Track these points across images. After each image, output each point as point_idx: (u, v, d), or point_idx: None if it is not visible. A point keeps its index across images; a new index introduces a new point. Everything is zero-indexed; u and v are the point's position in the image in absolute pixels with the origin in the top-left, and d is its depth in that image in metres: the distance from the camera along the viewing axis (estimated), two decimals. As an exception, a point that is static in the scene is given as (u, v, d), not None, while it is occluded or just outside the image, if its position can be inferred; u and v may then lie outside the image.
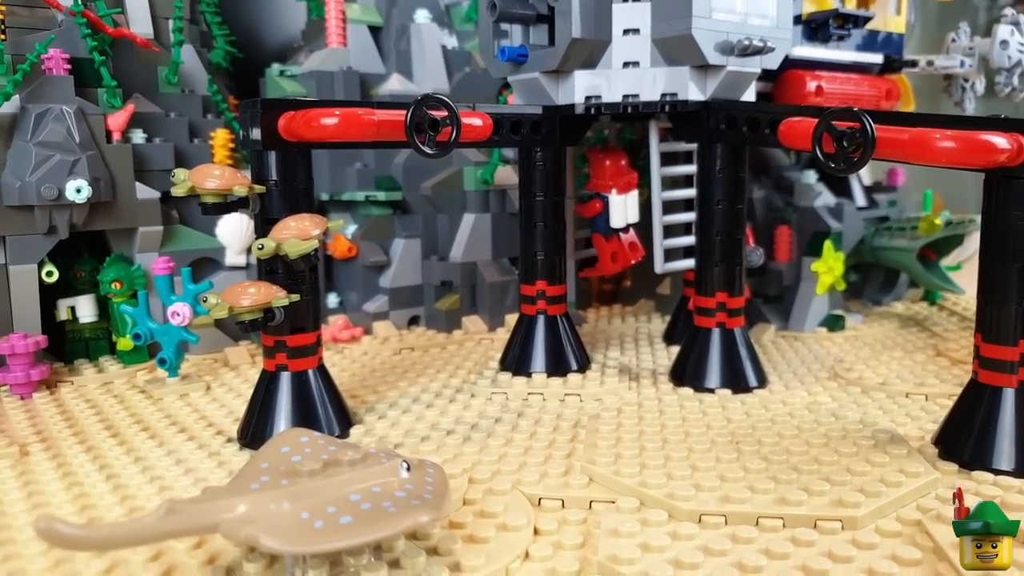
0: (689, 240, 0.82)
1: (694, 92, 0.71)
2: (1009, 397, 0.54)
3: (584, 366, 0.79)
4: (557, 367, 0.77)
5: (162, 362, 0.76)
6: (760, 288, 0.99)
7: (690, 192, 0.81)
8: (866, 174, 1.13)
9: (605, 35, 0.71)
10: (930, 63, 0.98)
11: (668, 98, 0.71)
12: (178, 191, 0.58)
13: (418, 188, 1.00)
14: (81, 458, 0.58)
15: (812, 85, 0.87)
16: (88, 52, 0.84)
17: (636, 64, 0.71)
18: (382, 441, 0.61)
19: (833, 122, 0.54)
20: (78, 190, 0.77)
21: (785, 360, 0.83)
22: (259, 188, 0.60)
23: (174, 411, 0.70)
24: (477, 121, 0.65)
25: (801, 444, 0.57)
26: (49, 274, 0.81)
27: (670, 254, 0.82)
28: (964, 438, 0.55)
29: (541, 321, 0.79)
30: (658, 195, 0.81)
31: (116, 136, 0.85)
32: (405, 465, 0.43)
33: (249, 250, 0.91)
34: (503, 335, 0.92)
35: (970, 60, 0.98)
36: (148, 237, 0.86)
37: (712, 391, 0.71)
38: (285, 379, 0.62)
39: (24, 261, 0.79)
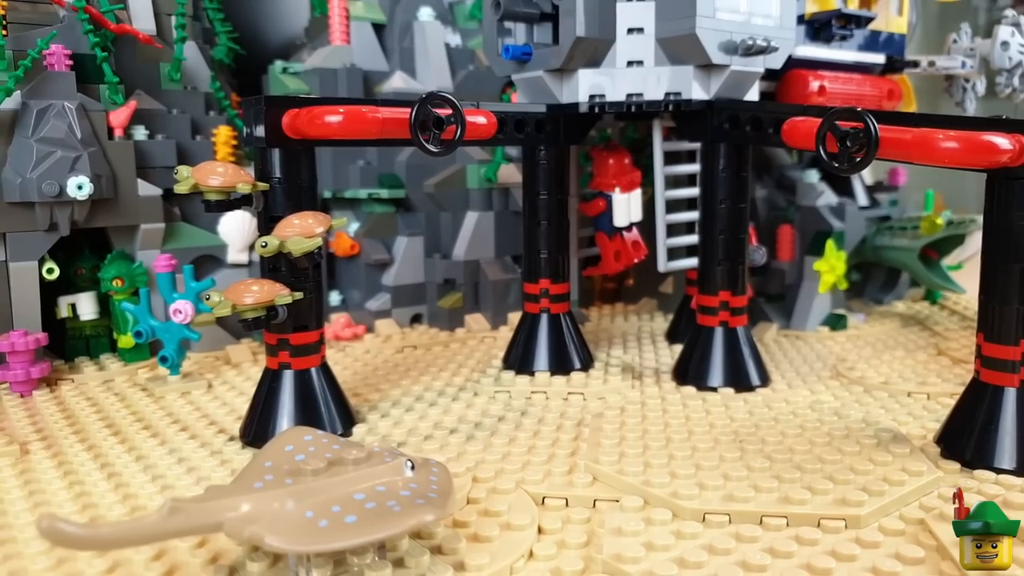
0: (692, 239, 0.82)
1: (698, 91, 0.71)
2: (1011, 396, 0.54)
3: (587, 365, 0.79)
4: (560, 366, 0.77)
5: (163, 360, 0.76)
6: (762, 287, 0.99)
7: (693, 191, 0.81)
8: (868, 174, 1.13)
9: (609, 34, 0.71)
10: (931, 64, 0.98)
11: (672, 97, 0.71)
12: (181, 188, 0.58)
13: (421, 186, 1.00)
14: (82, 456, 0.58)
15: (815, 85, 0.86)
16: (90, 48, 0.84)
17: (640, 63, 0.71)
18: (385, 440, 0.61)
19: (836, 122, 0.54)
20: (79, 187, 0.77)
21: (787, 359, 0.83)
22: (263, 185, 0.59)
23: (176, 409, 0.70)
24: (481, 119, 0.65)
25: (804, 443, 0.57)
26: (50, 271, 0.81)
27: (673, 253, 0.82)
28: (966, 437, 0.55)
29: (544, 319, 0.79)
30: (661, 194, 0.81)
31: (118, 133, 0.84)
32: (409, 464, 0.43)
33: (251, 248, 0.91)
34: (506, 333, 0.92)
35: (971, 61, 0.98)
36: (150, 234, 0.86)
37: (715, 390, 0.71)
38: (288, 377, 0.62)
39: (25, 258, 0.79)
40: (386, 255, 0.99)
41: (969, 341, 0.87)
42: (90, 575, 0.42)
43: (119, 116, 0.84)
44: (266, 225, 0.60)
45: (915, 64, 0.98)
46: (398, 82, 1.04)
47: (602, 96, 0.72)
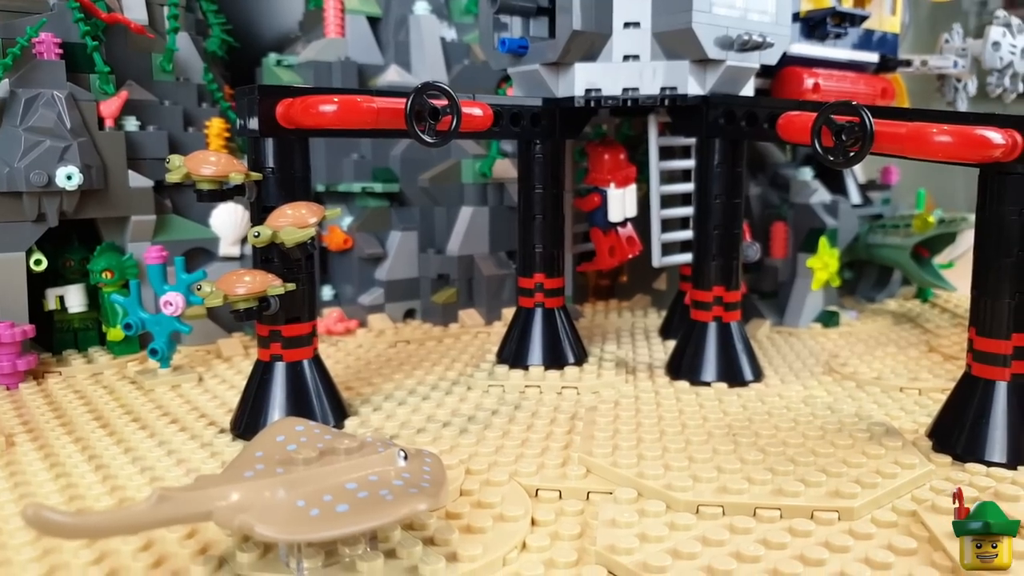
0: (687, 234, 0.82)
1: (693, 86, 0.71)
2: (1002, 390, 0.54)
3: (581, 359, 0.79)
4: (554, 360, 0.77)
5: (153, 352, 0.75)
6: (755, 284, 0.99)
7: (688, 186, 0.81)
8: (860, 172, 1.14)
9: (605, 28, 0.71)
10: (924, 63, 0.99)
11: (667, 92, 0.71)
12: (173, 177, 0.57)
13: (415, 180, 0.99)
14: (69, 448, 0.57)
15: (809, 82, 0.87)
16: (80, 37, 0.83)
17: (636, 57, 0.71)
18: (378, 432, 0.61)
19: (832, 116, 0.54)
20: (68, 177, 0.76)
21: (780, 355, 0.84)
22: (255, 175, 0.59)
23: (165, 402, 0.69)
24: (477, 111, 0.64)
25: (797, 436, 0.57)
26: (37, 262, 0.80)
27: (668, 248, 0.82)
28: (957, 431, 0.55)
29: (539, 314, 0.79)
30: (656, 189, 0.81)
31: (109, 123, 0.84)
32: (402, 454, 0.43)
33: (243, 240, 0.90)
34: (499, 329, 0.92)
35: (963, 61, 0.99)
36: (140, 226, 0.85)
37: (708, 384, 0.71)
38: (280, 369, 0.61)
39: (12, 249, 0.78)
40: (379, 249, 0.99)
41: (960, 338, 0.88)
42: (76, 566, 0.41)
43: (110, 106, 0.83)
44: (259, 215, 0.60)
45: (908, 63, 0.98)
46: (393, 75, 1.03)
47: (598, 90, 0.72)
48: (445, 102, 0.59)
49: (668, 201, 0.82)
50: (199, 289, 0.55)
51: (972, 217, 0.55)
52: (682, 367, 0.74)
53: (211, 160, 0.57)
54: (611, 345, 0.88)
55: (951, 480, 0.51)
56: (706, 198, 0.73)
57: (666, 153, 0.81)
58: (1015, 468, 0.52)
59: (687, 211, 0.82)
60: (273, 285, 0.57)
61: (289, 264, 0.59)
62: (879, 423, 0.60)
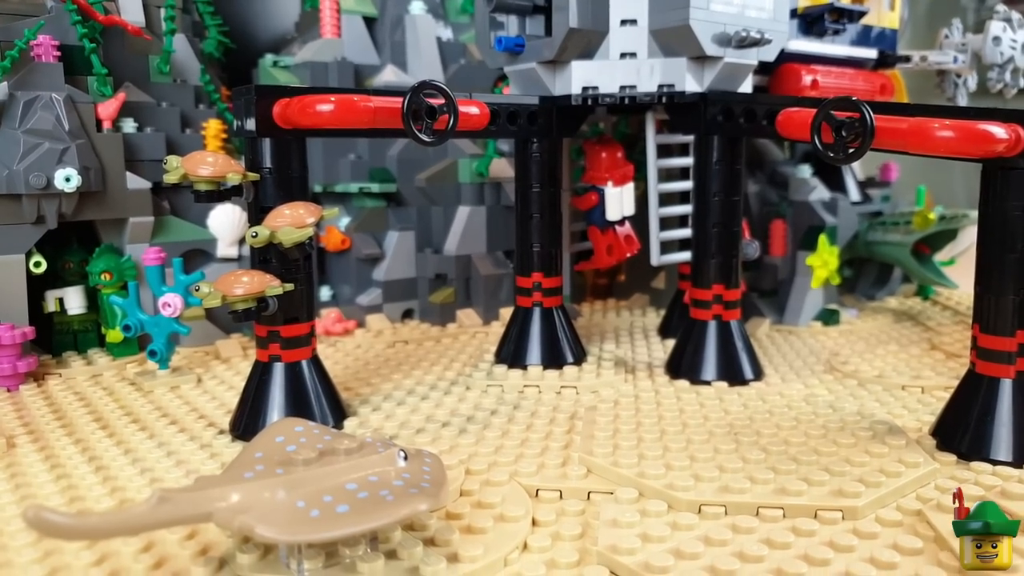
0: (685, 233, 0.82)
1: (691, 83, 0.70)
2: (1007, 388, 0.54)
3: (580, 359, 0.79)
4: (553, 360, 0.77)
5: (152, 354, 0.75)
6: (755, 282, 0.99)
7: (686, 184, 0.81)
8: (860, 169, 1.14)
9: (602, 25, 0.70)
10: (923, 59, 0.99)
11: (665, 89, 0.71)
12: (171, 178, 0.57)
13: (412, 180, 0.99)
14: (70, 450, 0.57)
15: (808, 79, 0.87)
16: (78, 39, 0.83)
17: (633, 55, 0.71)
18: (377, 433, 0.60)
19: (832, 111, 0.54)
20: (67, 179, 0.76)
21: (780, 353, 0.83)
22: (253, 176, 0.59)
23: (165, 403, 0.69)
24: (474, 109, 0.64)
25: (799, 435, 0.56)
26: (37, 265, 0.79)
27: (666, 247, 0.82)
28: (962, 429, 0.55)
29: (537, 313, 0.78)
30: (654, 187, 0.80)
31: (106, 125, 0.83)
32: (402, 454, 0.43)
33: (241, 242, 0.90)
34: (497, 329, 0.92)
35: (963, 56, 0.99)
36: (138, 228, 0.85)
37: (709, 383, 0.71)
38: (278, 370, 0.61)
39: (11, 251, 0.78)
40: (377, 250, 0.98)
41: (962, 336, 0.88)
42: (77, 567, 0.41)
43: (107, 108, 0.83)
44: (257, 216, 0.59)
45: (907, 59, 0.98)
46: (389, 75, 1.03)
47: (595, 88, 0.72)
48: (442, 101, 0.58)
49: (666, 199, 0.82)
50: (197, 290, 0.55)
51: (973, 213, 0.55)
52: (682, 366, 0.74)
53: (208, 161, 0.57)
54: (610, 344, 0.87)
55: (956, 479, 0.50)
56: (705, 196, 0.73)
57: (664, 151, 0.81)
58: (1021, 466, 0.52)
59: (685, 209, 0.81)
60: (271, 285, 0.57)
61: (287, 264, 0.59)
62: (882, 421, 0.60)
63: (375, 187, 0.98)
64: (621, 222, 0.89)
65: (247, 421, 0.60)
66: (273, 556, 0.41)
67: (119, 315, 0.78)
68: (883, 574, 0.39)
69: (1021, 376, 0.53)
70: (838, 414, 0.62)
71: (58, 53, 0.80)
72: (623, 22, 0.70)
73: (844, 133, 0.53)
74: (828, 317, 0.96)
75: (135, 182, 0.84)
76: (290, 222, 0.57)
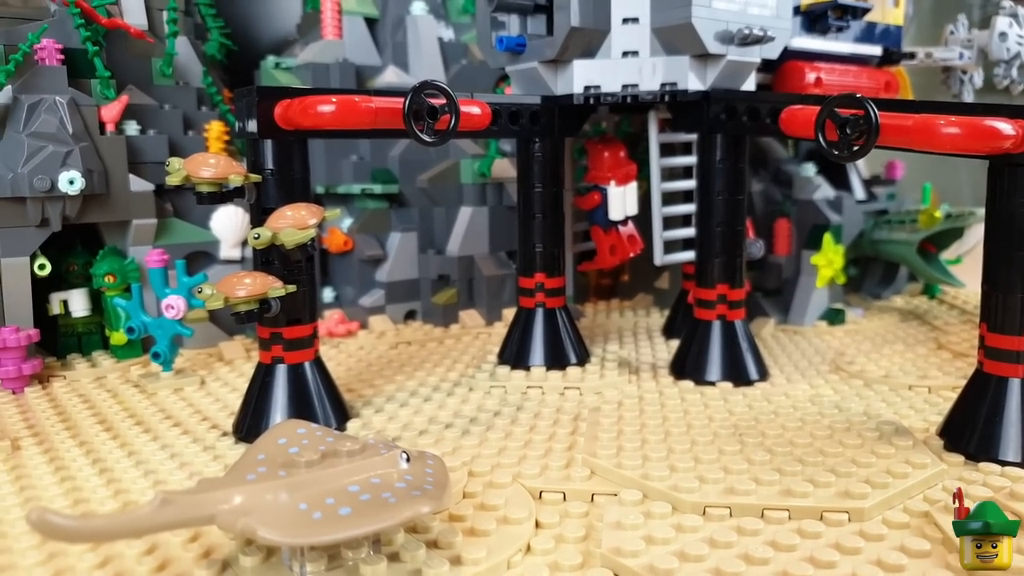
0: (689, 232, 0.81)
1: (694, 82, 0.70)
2: (1015, 387, 0.53)
3: (583, 359, 0.78)
4: (556, 360, 0.76)
5: (156, 356, 0.75)
6: (760, 282, 0.99)
7: (690, 183, 0.80)
8: (865, 167, 1.13)
9: (604, 24, 0.70)
10: (929, 55, 0.98)
11: (668, 88, 0.70)
12: (173, 180, 0.57)
13: (415, 181, 0.99)
14: (74, 452, 0.57)
15: (811, 76, 0.86)
16: (81, 42, 0.83)
17: (635, 54, 0.71)
18: (380, 435, 0.60)
19: (836, 109, 0.54)
20: (71, 182, 0.76)
21: (786, 353, 0.83)
22: (255, 177, 0.59)
23: (168, 405, 0.69)
24: (476, 109, 0.64)
25: (805, 436, 0.56)
26: (41, 267, 0.80)
27: (670, 246, 0.82)
28: (970, 429, 0.54)
29: (540, 314, 0.78)
30: (657, 187, 0.80)
31: (110, 127, 0.84)
32: (405, 456, 0.43)
33: (244, 243, 0.90)
34: (500, 329, 0.91)
35: (968, 52, 0.98)
36: (142, 230, 0.85)
37: (713, 384, 0.71)
38: (281, 371, 0.61)
39: (16, 254, 0.78)
40: (380, 251, 0.98)
41: (969, 335, 0.87)
42: (81, 570, 0.41)
43: (111, 111, 0.83)
44: (259, 217, 0.59)
45: (912, 56, 0.97)
46: (391, 76, 1.03)
47: (597, 87, 0.71)
48: (443, 101, 0.58)
49: (669, 198, 0.81)
50: (200, 292, 0.55)
51: (979, 211, 0.55)
52: (686, 367, 0.73)
53: (210, 162, 0.57)
54: (613, 345, 0.87)
55: (964, 480, 0.50)
56: (708, 195, 0.72)
57: (667, 150, 0.81)
58: (1028, 467, 0.51)
59: (689, 208, 0.81)
60: (274, 287, 0.57)
61: (289, 266, 0.59)
62: (888, 422, 0.59)
63: (377, 188, 0.98)
64: (624, 222, 0.88)
65: (250, 423, 0.60)
66: (276, 558, 0.41)
67: (123, 317, 0.78)
68: (890, 576, 0.39)
69: (1029, 375, 0.53)
70: (844, 414, 0.62)
71: (62, 56, 0.80)
72: (625, 20, 0.70)
73: (848, 131, 0.53)
74: (833, 316, 0.95)
75: (138, 184, 0.85)
76: (292, 223, 0.56)
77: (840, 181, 1.05)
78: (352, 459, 0.41)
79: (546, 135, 0.75)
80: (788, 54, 0.83)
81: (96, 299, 0.84)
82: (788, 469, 0.50)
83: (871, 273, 1.09)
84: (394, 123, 0.58)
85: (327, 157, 0.99)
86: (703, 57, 0.69)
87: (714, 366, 0.72)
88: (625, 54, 0.71)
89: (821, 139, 0.55)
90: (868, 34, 0.93)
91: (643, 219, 0.88)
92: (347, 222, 0.99)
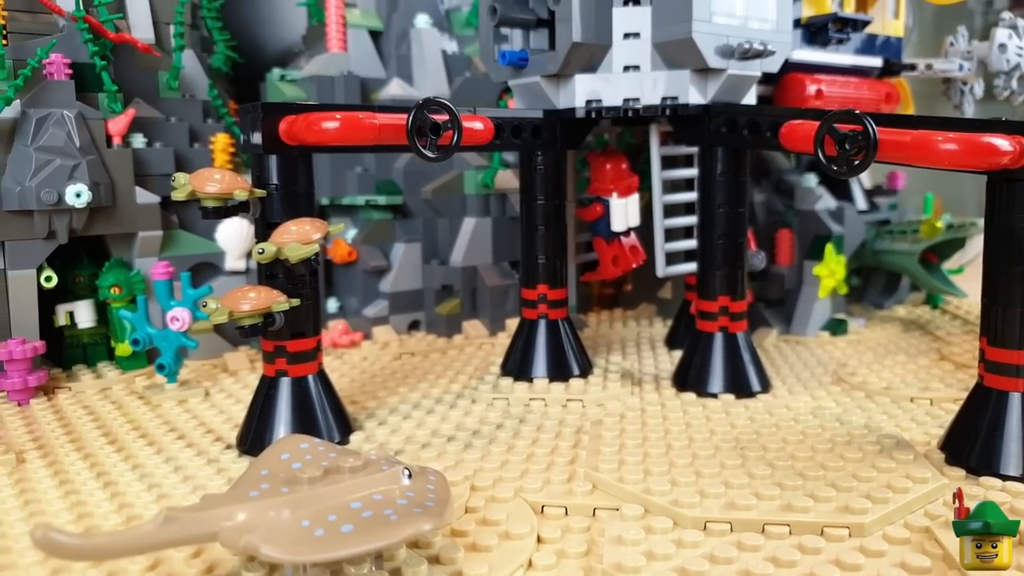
0: (691, 244, 0.82)
1: (695, 95, 0.70)
2: (1016, 401, 0.53)
3: (586, 371, 0.78)
4: (559, 372, 0.77)
5: (161, 368, 0.76)
6: (762, 292, 0.99)
7: (691, 196, 0.81)
8: (867, 177, 1.13)
9: (605, 39, 0.71)
10: (929, 67, 0.98)
11: (669, 102, 0.71)
12: (178, 195, 0.58)
13: (419, 192, 1.00)
14: (78, 465, 0.58)
15: (812, 88, 0.86)
16: (89, 57, 0.84)
17: (637, 68, 0.71)
18: (383, 448, 0.60)
19: (835, 125, 0.54)
20: (78, 195, 0.77)
21: (788, 365, 0.83)
22: (260, 192, 0.59)
23: (173, 417, 0.69)
24: (478, 125, 0.65)
25: (806, 449, 0.56)
26: (48, 279, 0.80)
27: (671, 258, 0.82)
28: (971, 443, 0.54)
29: (542, 325, 0.78)
30: (659, 199, 0.80)
31: (116, 140, 0.84)
32: (407, 472, 0.43)
33: (249, 255, 0.90)
34: (504, 340, 0.92)
35: (969, 64, 0.98)
36: (148, 242, 0.86)
37: (715, 396, 0.71)
38: (285, 385, 0.61)
39: (23, 266, 0.79)
40: (384, 261, 0.99)
41: (971, 346, 0.87)
42: (84, 586, 0.41)
43: (118, 124, 0.84)
44: (263, 232, 0.60)
45: (912, 67, 0.98)
46: (395, 89, 1.04)
47: (599, 101, 0.72)
48: (446, 117, 0.59)
49: (671, 210, 0.82)
50: (204, 306, 0.56)
51: (981, 222, 0.55)
52: (688, 378, 0.74)
53: (215, 178, 0.58)
54: (616, 356, 0.87)
55: (964, 495, 0.50)
56: (710, 208, 0.73)
57: (668, 162, 0.81)
58: (1030, 481, 0.51)
59: (691, 220, 0.81)
60: (278, 301, 0.58)
61: (293, 280, 0.60)
62: (889, 435, 0.59)
63: (381, 199, 0.99)
64: (626, 233, 0.89)
65: (254, 436, 0.61)
66: (278, 575, 0.41)
67: (128, 329, 0.79)
68: (890, 593, 0.39)
69: (1030, 390, 0.53)
70: (845, 427, 0.62)
71: (70, 71, 0.81)
72: (626, 35, 0.71)
73: (848, 146, 0.53)
74: (835, 327, 0.95)
75: (144, 197, 0.85)
76: (296, 238, 0.57)
77: (842, 192, 1.05)
78: (354, 475, 0.42)
79: (548, 148, 0.75)
80: (789, 66, 0.83)
81: (102, 311, 0.84)
82: (789, 483, 0.50)
83: (873, 283, 1.09)
84: (398, 139, 0.59)
85: (332, 169, 1.00)
86: (704, 71, 0.70)
87: (716, 378, 0.72)
88: (626, 68, 0.71)
89: (820, 154, 0.55)
90: (869, 46, 0.94)
91: (645, 230, 0.88)
92: (351, 233, 0.99)
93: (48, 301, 0.82)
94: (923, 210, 1.08)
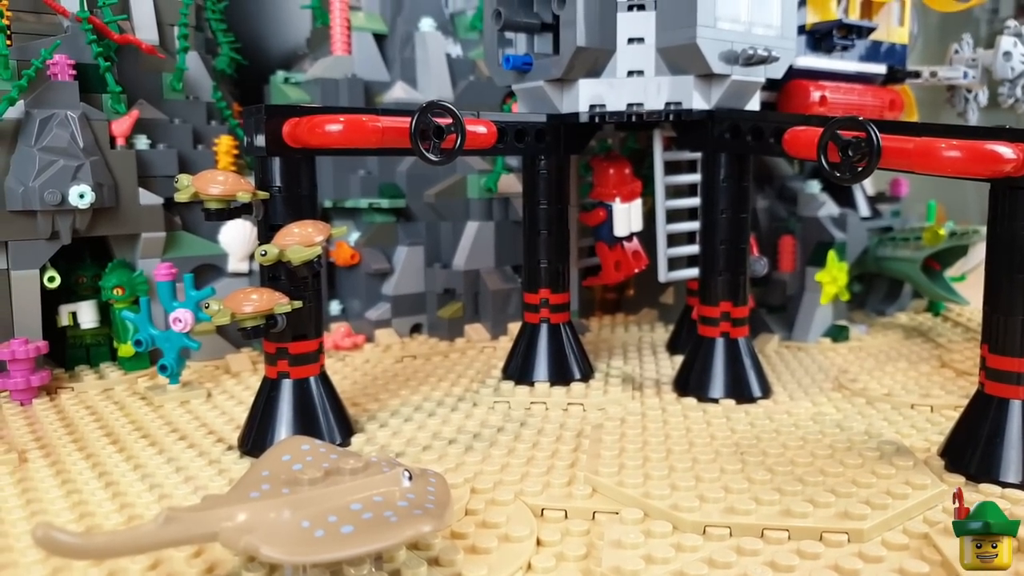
0: (693, 249, 0.82)
1: (698, 101, 0.71)
2: (1016, 409, 0.53)
3: (587, 375, 0.79)
4: (560, 376, 0.77)
5: (163, 369, 0.76)
6: (764, 298, 0.99)
7: (694, 201, 0.81)
8: (870, 184, 1.13)
9: (610, 44, 0.71)
10: (933, 74, 0.99)
11: (672, 107, 0.71)
12: (181, 196, 0.58)
13: (421, 196, 1.00)
14: (80, 465, 0.58)
15: (816, 95, 0.87)
16: (93, 58, 0.84)
17: (640, 73, 0.71)
18: (384, 450, 0.61)
19: (838, 131, 0.54)
20: (81, 195, 0.77)
21: (789, 370, 0.83)
22: (263, 194, 0.59)
23: (175, 418, 0.69)
24: (481, 128, 0.65)
25: (806, 455, 0.56)
26: (51, 279, 0.81)
27: (674, 263, 0.82)
28: (971, 450, 0.54)
29: (544, 329, 0.79)
30: (662, 204, 0.80)
31: (120, 142, 0.85)
32: (407, 474, 0.43)
33: (251, 257, 0.91)
34: (506, 343, 0.92)
35: (973, 71, 0.98)
36: (150, 243, 0.86)
37: (716, 401, 0.71)
38: (287, 386, 0.62)
39: (26, 266, 0.79)
40: (386, 265, 0.99)
41: (973, 353, 0.87)
42: (84, 586, 0.41)
43: (121, 125, 0.85)
44: (266, 234, 0.60)
45: (917, 75, 0.98)
46: (399, 92, 1.04)
47: (602, 106, 0.72)
48: (449, 121, 0.59)
49: (674, 216, 0.82)
50: (207, 308, 0.56)
51: (983, 229, 0.55)
52: (689, 383, 0.74)
53: (218, 180, 0.58)
54: (618, 360, 0.87)
55: (964, 502, 0.50)
56: (712, 213, 0.73)
57: (672, 168, 0.81)
58: (1030, 489, 0.51)
59: (693, 225, 0.81)
60: (280, 303, 0.58)
61: (296, 282, 0.60)
62: (890, 441, 0.59)
63: (384, 202, 0.99)
64: (629, 238, 0.89)
65: (255, 437, 0.61)
66: (279, 575, 0.41)
67: (131, 330, 0.79)
68: (889, 600, 0.39)
69: (1031, 398, 0.53)
70: (845, 433, 0.62)
71: (74, 72, 0.82)
72: (630, 40, 0.71)
73: (851, 153, 0.53)
74: (837, 333, 0.95)
75: (147, 198, 0.86)
76: (299, 241, 0.57)
77: (844, 198, 1.05)
78: (355, 477, 0.42)
79: (551, 153, 0.76)
80: (793, 72, 0.83)
81: (104, 311, 0.85)
82: (788, 489, 0.50)
83: (875, 290, 1.09)
84: (401, 142, 0.59)
85: (335, 172, 1.00)
86: (708, 77, 0.70)
87: (717, 383, 0.72)
88: (630, 73, 0.71)
89: (824, 161, 0.55)
90: (873, 53, 0.94)
91: (648, 235, 0.88)
92: (354, 236, 1.00)
93: (51, 301, 0.82)
94: (926, 217, 1.08)
